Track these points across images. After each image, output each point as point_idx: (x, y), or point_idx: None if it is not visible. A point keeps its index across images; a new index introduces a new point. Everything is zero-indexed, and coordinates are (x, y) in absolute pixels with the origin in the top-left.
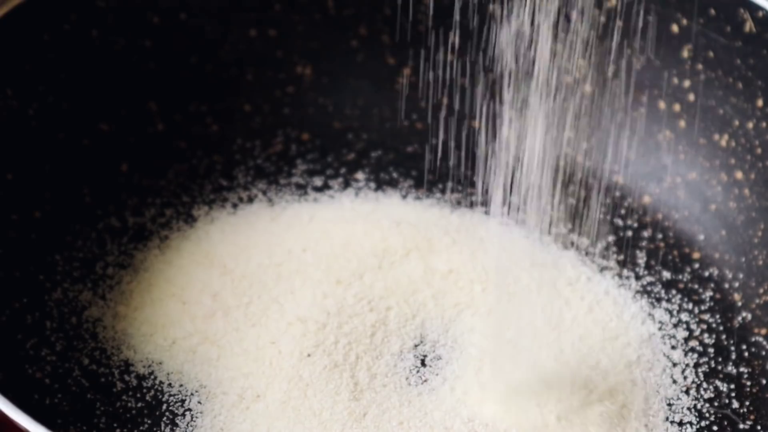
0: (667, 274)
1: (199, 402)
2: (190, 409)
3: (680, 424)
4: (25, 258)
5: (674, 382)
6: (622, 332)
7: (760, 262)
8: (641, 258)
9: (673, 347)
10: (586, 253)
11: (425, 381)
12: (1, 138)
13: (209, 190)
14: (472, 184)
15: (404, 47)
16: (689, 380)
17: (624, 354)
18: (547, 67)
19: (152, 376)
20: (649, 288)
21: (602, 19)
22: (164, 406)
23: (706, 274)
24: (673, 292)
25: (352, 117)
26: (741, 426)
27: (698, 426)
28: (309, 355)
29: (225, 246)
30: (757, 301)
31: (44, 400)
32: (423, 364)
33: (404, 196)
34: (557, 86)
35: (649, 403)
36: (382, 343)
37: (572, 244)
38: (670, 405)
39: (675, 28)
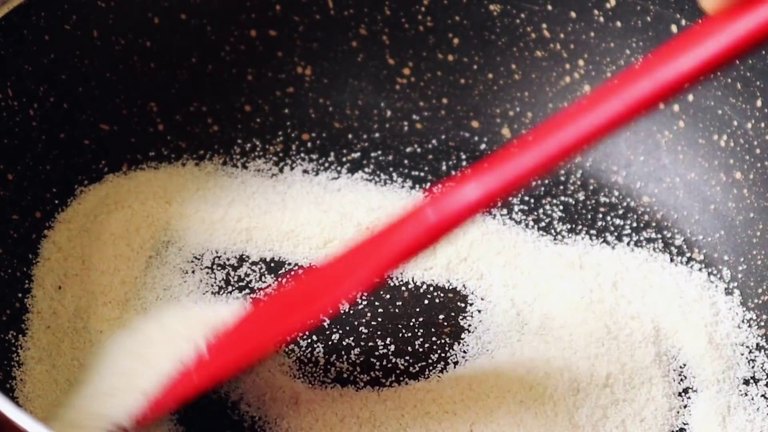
0: None
1: None
2: None
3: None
4: (26, 258)
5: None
6: (621, 331)
7: (759, 262)
8: None
9: None
10: (586, 253)
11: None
12: (2, 138)
13: None
14: None
15: (404, 47)
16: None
17: (624, 353)
18: None
19: None
20: None
21: (602, 19)
22: None
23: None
24: None
25: (352, 117)
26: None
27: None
28: None
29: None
30: (756, 300)
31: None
32: None
33: (404, 197)
34: None
35: (651, 403)
36: None
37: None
38: (680, 406)
39: (674, 28)
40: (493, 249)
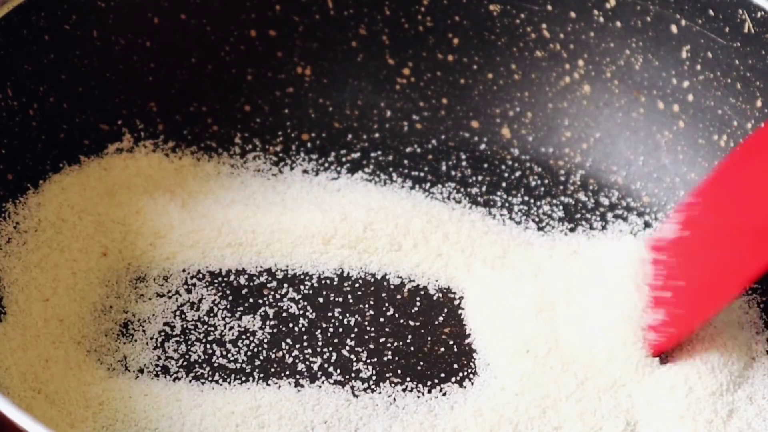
0: None
1: None
2: None
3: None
4: None
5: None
6: (620, 331)
7: None
8: None
9: None
10: (585, 254)
11: None
12: (1, 138)
13: None
14: (472, 185)
15: (404, 47)
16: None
17: (627, 353)
18: None
19: None
20: None
21: (601, 19)
22: None
23: None
24: None
25: (352, 117)
26: None
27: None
28: None
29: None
30: (756, 300)
31: None
32: None
33: (404, 197)
34: None
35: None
36: None
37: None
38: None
39: (674, 28)
40: (494, 249)
